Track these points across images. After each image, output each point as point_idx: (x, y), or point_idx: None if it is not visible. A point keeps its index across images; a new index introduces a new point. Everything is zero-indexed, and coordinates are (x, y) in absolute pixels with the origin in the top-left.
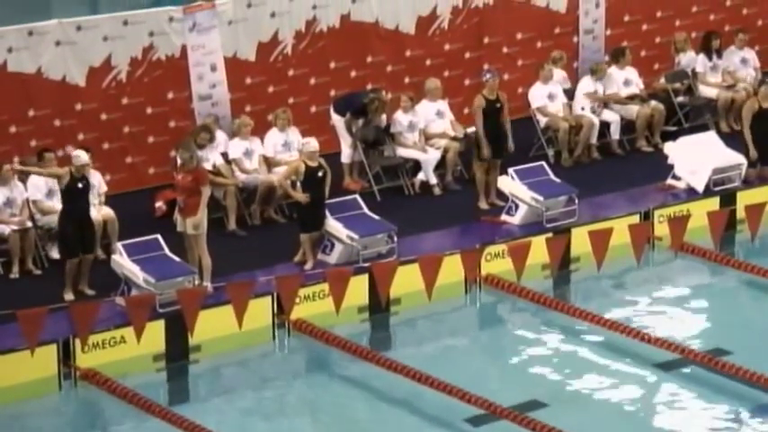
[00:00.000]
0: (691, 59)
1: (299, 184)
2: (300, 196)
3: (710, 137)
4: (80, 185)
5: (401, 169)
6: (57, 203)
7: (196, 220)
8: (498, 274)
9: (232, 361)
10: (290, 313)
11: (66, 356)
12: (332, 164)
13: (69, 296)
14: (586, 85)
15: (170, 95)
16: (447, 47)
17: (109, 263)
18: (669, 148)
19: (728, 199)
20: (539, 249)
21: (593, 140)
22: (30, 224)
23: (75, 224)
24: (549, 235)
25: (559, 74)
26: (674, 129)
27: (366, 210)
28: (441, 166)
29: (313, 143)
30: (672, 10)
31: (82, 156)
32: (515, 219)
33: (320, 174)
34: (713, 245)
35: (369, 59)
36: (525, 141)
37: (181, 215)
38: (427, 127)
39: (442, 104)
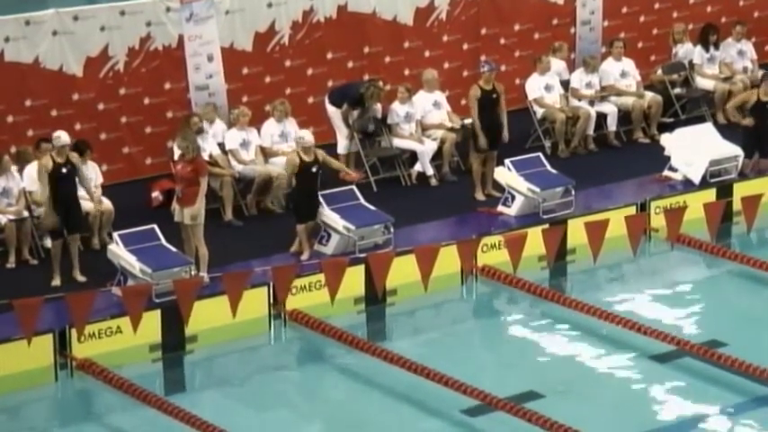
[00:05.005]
0: (688, 51)
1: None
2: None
3: (707, 128)
4: (64, 170)
5: (398, 160)
6: None
7: (194, 210)
8: (495, 266)
9: (228, 351)
10: (283, 301)
11: (62, 346)
12: (328, 155)
13: (56, 282)
14: (575, 78)
15: (167, 86)
16: (445, 38)
17: (105, 253)
18: (666, 139)
19: (725, 190)
20: (535, 240)
21: (590, 132)
22: (26, 214)
23: (61, 207)
24: (546, 226)
25: (559, 64)
26: (670, 120)
27: (363, 200)
28: (437, 157)
29: (308, 138)
30: (669, 2)
31: (63, 136)
32: (512, 210)
33: (314, 169)
34: (709, 236)
35: (366, 50)
36: (522, 132)
37: (179, 205)
38: (424, 118)
39: (440, 95)
